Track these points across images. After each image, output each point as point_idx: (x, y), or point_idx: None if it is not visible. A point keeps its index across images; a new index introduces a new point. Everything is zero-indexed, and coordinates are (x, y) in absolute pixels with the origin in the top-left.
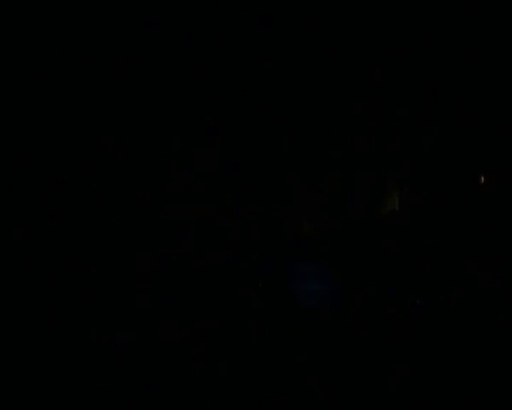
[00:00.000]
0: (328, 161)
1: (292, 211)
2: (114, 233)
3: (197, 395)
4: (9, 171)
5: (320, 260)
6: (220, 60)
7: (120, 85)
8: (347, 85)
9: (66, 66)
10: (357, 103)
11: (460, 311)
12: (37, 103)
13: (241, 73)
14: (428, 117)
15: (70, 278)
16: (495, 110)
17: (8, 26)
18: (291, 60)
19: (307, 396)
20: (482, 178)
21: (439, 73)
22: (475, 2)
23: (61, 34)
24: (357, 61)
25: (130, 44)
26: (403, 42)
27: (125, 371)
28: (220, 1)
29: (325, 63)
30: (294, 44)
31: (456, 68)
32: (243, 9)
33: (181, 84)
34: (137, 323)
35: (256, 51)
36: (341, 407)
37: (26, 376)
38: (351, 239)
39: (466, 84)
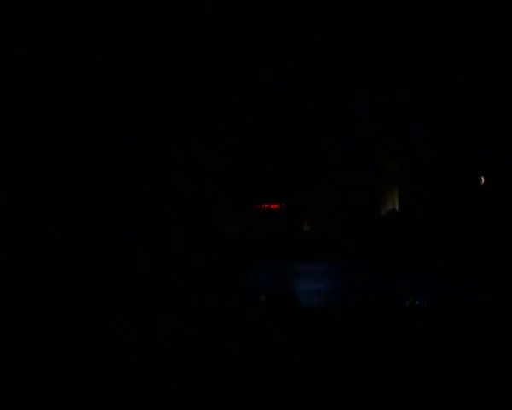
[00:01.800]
0: (328, 160)
1: (292, 211)
2: (115, 233)
3: (197, 395)
4: (9, 171)
5: (320, 261)
6: (223, 61)
7: (125, 87)
8: (348, 86)
9: (68, 66)
10: (357, 104)
11: (460, 310)
12: (39, 104)
13: (242, 74)
14: (428, 118)
15: (70, 278)
16: (494, 111)
17: (11, 26)
18: (293, 61)
19: (307, 395)
20: (482, 179)
21: (439, 75)
22: (476, 5)
23: (64, 34)
24: (358, 62)
25: (134, 45)
26: (404, 43)
27: (125, 370)
28: (225, 4)
29: (327, 64)
30: (296, 45)
31: (456, 69)
32: (247, 12)
33: (183, 86)
34: (137, 323)
35: (258, 53)
36: (342, 406)
37: (25, 375)
38: (351, 239)
39: (466, 85)
